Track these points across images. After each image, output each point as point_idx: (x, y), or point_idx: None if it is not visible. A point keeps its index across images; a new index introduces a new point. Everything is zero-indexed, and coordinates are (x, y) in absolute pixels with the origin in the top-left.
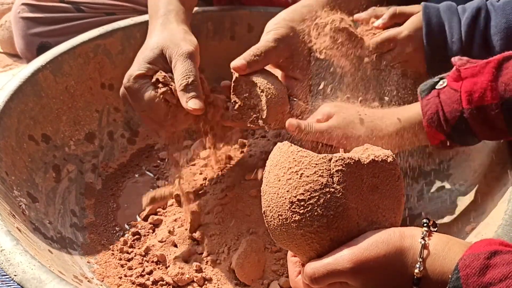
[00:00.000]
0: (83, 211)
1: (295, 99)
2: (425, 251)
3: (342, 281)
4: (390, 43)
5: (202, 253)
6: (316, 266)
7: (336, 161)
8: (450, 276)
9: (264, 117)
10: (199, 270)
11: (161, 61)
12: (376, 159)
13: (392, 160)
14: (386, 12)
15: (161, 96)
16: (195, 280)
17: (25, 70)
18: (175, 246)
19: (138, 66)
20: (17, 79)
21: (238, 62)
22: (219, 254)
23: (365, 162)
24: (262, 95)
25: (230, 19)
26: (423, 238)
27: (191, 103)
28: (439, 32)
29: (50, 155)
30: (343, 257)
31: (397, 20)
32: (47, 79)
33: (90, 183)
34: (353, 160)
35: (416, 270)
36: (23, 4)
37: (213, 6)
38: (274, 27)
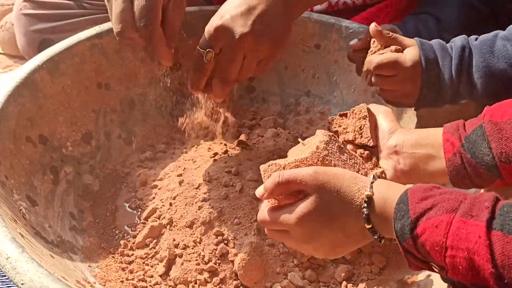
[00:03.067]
0: (82, 213)
1: None
2: (374, 180)
3: (301, 190)
4: (393, 68)
5: (203, 255)
6: (283, 171)
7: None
8: (396, 201)
9: None
10: (201, 272)
11: None
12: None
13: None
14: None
15: None
16: (197, 282)
17: (21, 70)
18: (176, 247)
19: None
20: (14, 80)
21: None
22: (221, 256)
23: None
24: None
25: None
26: (373, 175)
27: None
28: (435, 69)
29: (47, 156)
30: (307, 168)
31: (391, 43)
32: (43, 79)
33: (88, 184)
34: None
35: (366, 192)
36: (25, 1)
37: (213, 5)
38: None
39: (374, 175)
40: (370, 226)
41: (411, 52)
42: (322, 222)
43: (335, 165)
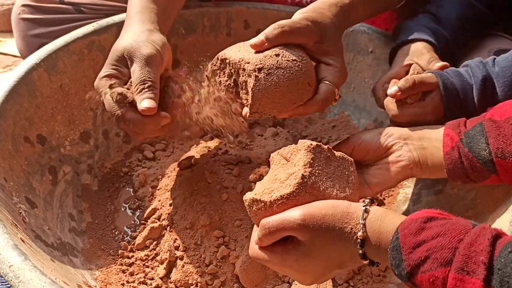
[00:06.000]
0: (81, 214)
1: (326, 81)
2: (366, 215)
3: (292, 235)
4: (416, 119)
5: (204, 258)
6: (270, 218)
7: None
8: (390, 237)
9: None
10: (202, 275)
11: (124, 63)
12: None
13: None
14: (405, 81)
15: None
16: (198, 285)
17: (19, 69)
18: (177, 249)
19: (105, 68)
20: (12, 79)
21: (255, 39)
22: (222, 258)
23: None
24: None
25: (226, 16)
26: (365, 206)
27: (144, 102)
28: (457, 108)
29: (46, 156)
30: (294, 211)
31: (416, 89)
32: (41, 78)
33: (87, 184)
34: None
35: (359, 233)
36: (23, 5)
37: (210, 2)
38: (304, 11)
39: (366, 207)
40: (367, 261)
41: (432, 100)
42: (316, 264)
43: (324, 190)
